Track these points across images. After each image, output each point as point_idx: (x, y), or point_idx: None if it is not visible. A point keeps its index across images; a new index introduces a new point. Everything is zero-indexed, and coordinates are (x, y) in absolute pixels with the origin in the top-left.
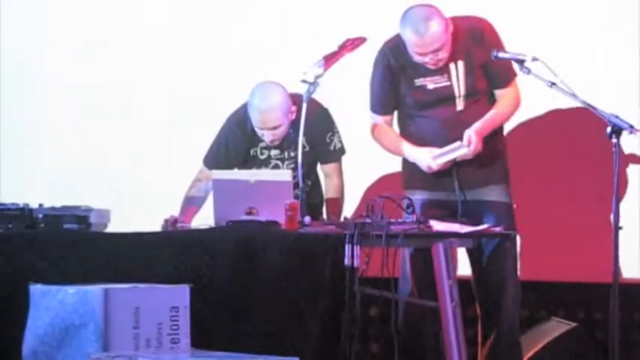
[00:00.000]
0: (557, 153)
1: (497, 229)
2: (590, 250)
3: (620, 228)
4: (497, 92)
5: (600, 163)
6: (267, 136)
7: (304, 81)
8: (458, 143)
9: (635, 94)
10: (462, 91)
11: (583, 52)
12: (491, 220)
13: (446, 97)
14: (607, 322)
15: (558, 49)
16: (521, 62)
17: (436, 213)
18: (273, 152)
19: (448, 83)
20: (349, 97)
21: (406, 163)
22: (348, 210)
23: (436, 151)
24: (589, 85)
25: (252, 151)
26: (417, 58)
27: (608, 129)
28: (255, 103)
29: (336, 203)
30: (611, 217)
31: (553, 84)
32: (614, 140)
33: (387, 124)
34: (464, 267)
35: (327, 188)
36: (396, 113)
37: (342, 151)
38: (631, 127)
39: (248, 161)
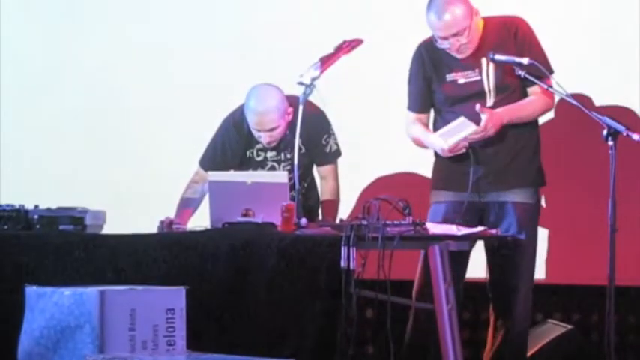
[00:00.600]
0: (553, 155)
1: (493, 231)
2: (587, 252)
3: (616, 230)
4: (530, 90)
5: (597, 165)
6: (264, 138)
7: (301, 83)
8: (462, 118)
9: (635, 94)
10: (492, 85)
11: (582, 52)
12: (513, 222)
13: (476, 92)
14: (603, 325)
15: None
16: (517, 65)
17: (463, 217)
18: (270, 154)
19: (479, 78)
20: (346, 100)
21: (436, 165)
22: (344, 212)
23: (445, 129)
24: (587, 84)
25: (248, 153)
26: (440, 44)
27: (604, 132)
28: (252, 105)
29: (332, 205)
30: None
31: (549, 86)
32: (610, 143)
33: (422, 123)
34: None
35: (323, 190)
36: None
37: (337, 153)
38: (627, 129)
39: (244, 163)
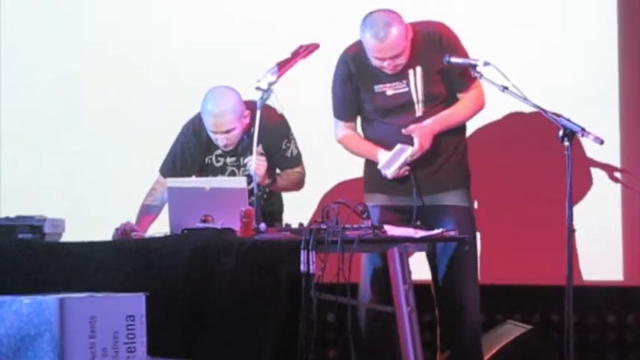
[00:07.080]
0: (510, 156)
1: (452, 232)
2: (545, 252)
3: (574, 230)
4: (460, 96)
5: (554, 166)
6: (220, 141)
7: (258, 88)
8: (399, 146)
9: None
10: (420, 97)
11: (539, 55)
12: (451, 225)
13: (405, 103)
14: (562, 325)
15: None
16: (473, 67)
17: (394, 218)
18: (229, 159)
19: (406, 89)
20: (305, 103)
21: (368, 166)
22: (305, 217)
23: (384, 160)
24: (545, 87)
25: (207, 159)
26: (375, 63)
27: (560, 132)
28: (208, 107)
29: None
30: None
31: (505, 88)
32: (566, 143)
33: (352, 130)
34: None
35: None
36: (358, 119)
37: (299, 157)
38: (582, 129)
39: (204, 169)
